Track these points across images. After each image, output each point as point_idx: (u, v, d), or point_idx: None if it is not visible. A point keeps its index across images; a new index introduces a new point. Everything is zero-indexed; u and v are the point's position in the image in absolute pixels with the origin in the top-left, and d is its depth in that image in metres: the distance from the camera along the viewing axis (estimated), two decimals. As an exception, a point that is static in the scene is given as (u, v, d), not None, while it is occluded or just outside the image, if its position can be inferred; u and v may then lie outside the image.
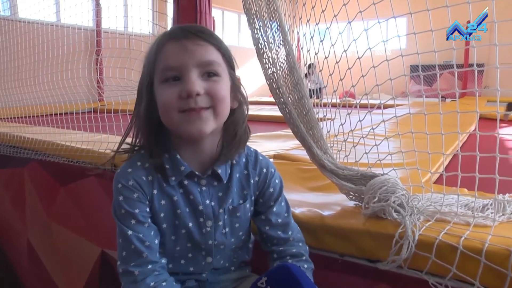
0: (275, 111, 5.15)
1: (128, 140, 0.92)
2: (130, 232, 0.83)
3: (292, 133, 1.33)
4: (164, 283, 0.82)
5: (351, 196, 1.20)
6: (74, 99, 2.15)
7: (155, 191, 0.86)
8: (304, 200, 1.28)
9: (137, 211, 0.84)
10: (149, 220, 0.86)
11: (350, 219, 1.09)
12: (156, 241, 0.86)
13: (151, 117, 0.85)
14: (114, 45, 1.94)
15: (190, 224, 0.89)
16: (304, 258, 0.95)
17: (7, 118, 2.82)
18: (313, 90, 1.57)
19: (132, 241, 0.82)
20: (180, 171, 0.86)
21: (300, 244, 0.97)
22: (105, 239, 1.65)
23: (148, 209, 0.86)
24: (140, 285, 0.81)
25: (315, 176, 1.56)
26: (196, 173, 0.88)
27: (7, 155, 2.36)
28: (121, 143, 0.92)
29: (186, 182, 0.88)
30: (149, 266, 0.82)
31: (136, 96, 0.89)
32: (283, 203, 0.98)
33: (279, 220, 0.96)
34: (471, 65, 0.91)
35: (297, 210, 1.17)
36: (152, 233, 0.85)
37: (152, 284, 0.81)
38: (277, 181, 0.97)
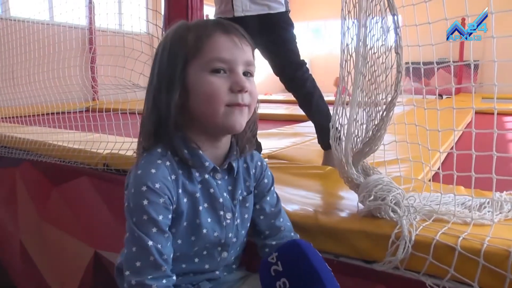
0: (270, 109, 5.14)
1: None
2: (150, 243, 0.77)
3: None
4: None
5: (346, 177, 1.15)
6: (67, 98, 2.12)
7: (180, 190, 0.84)
8: (298, 200, 1.27)
9: (160, 217, 0.79)
10: (167, 229, 0.82)
11: (345, 219, 1.08)
12: (172, 255, 0.82)
13: (183, 106, 0.83)
14: (107, 43, 1.90)
15: (209, 220, 0.88)
16: None
17: (-2, 118, 2.79)
18: None
19: (152, 252, 0.77)
20: (204, 167, 0.86)
21: (292, 234, 0.99)
22: (98, 239, 1.63)
23: (170, 216, 0.82)
24: None
25: (309, 175, 1.54)
26: (217, 168, 0.89)
27: (-1, 155, 2.33)
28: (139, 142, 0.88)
29: (207, 176, 0.88)
30: (164, 281, 0.78)
31: (153, 86, 0.84)
32: (274, 194, 1.02)
33: (272, 209, 0.99)
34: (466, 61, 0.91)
35: (291, 209, 1.16)
36: (169, 244, 0.81)
37: None
38: (269, 172, 1.01)
